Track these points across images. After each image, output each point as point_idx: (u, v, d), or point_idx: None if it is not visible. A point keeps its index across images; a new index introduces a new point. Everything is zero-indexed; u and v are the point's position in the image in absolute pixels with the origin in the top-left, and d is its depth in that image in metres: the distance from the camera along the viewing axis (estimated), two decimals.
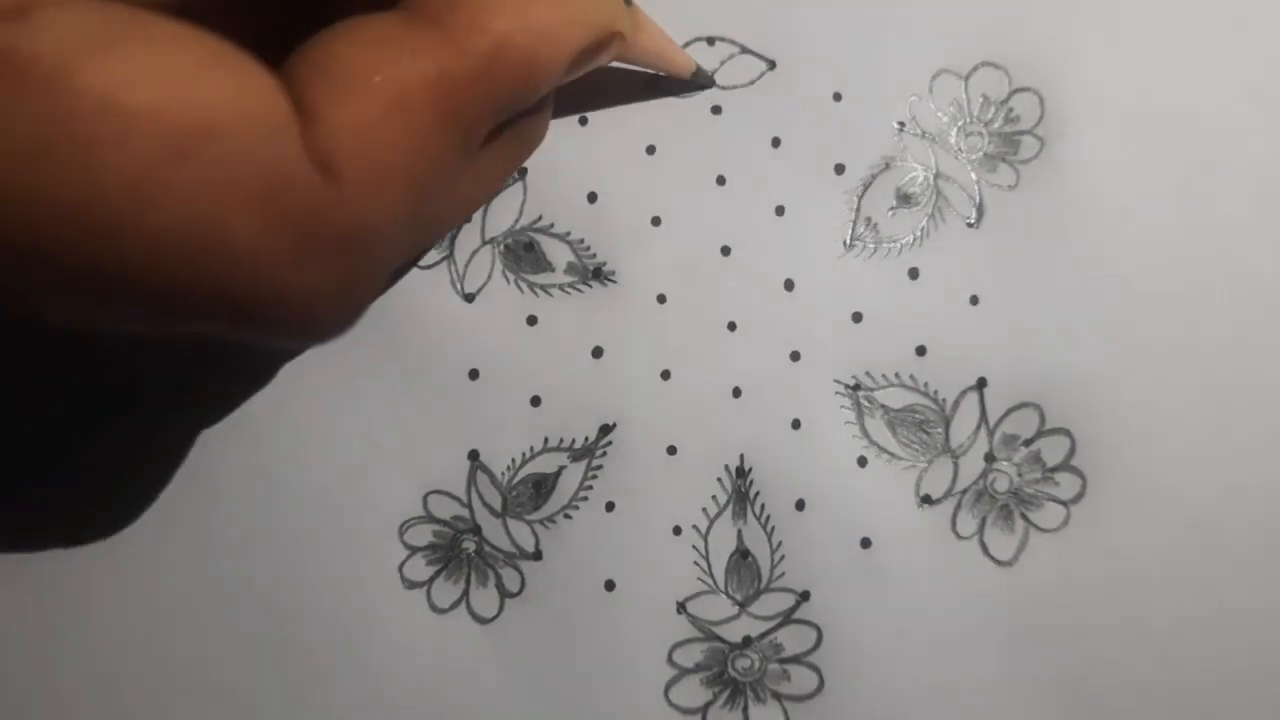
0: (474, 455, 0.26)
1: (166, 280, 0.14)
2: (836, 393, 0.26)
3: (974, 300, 0.26)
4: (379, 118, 0.15)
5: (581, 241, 0.26)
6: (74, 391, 0.25)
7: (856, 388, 0.26)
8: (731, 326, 0.26)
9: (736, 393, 0.26)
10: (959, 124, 0.26)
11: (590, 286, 0.26)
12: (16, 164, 0.12)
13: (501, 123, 0.18)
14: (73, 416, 0.25)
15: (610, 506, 0.26)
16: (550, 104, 0.22)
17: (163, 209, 0.13)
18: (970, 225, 0.26)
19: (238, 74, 0.14)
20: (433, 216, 0.18)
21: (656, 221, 0.26)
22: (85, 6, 0.13)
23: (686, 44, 0.26)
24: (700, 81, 0.25)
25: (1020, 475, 0.26)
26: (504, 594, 0.26)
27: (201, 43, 0.14)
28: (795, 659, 0.26)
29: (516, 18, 0.16)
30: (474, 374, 0.26)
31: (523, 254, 0.26)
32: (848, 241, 0.26)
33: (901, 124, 0.26)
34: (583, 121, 0.26)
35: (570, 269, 0.26)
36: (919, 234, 0.26)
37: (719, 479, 0.26)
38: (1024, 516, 0.26)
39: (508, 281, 0.26)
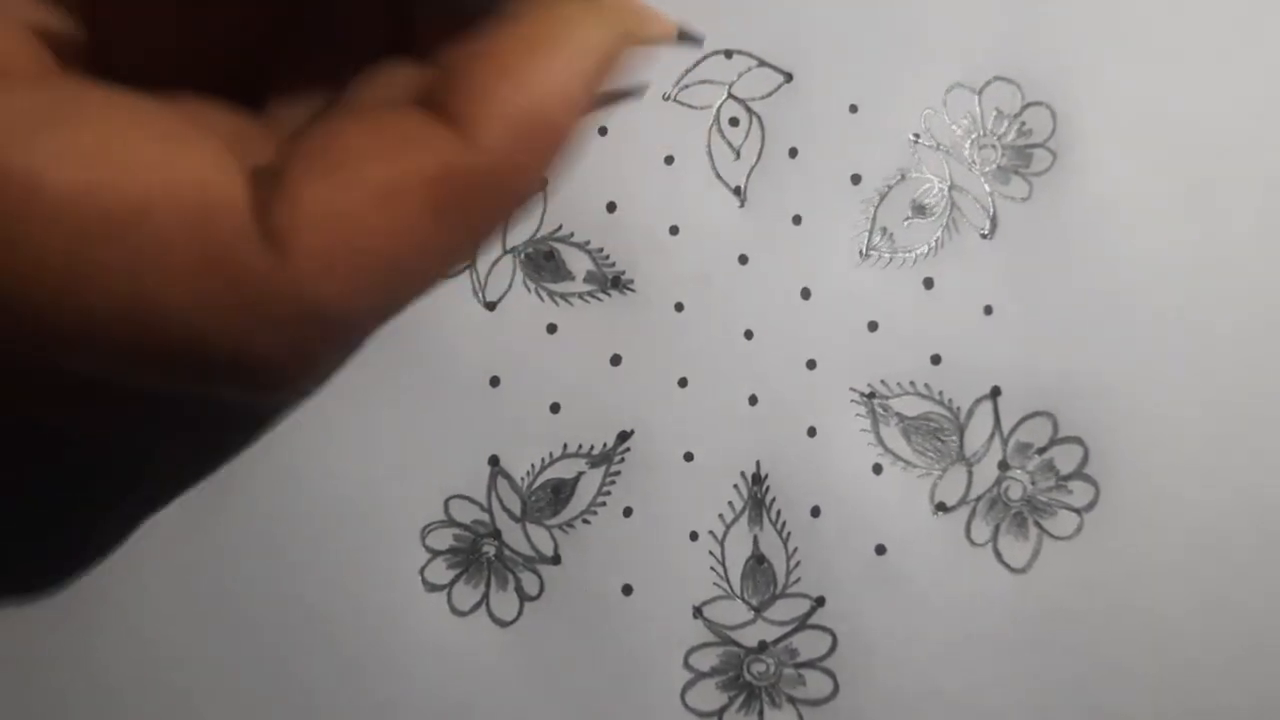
0: (494, 461, 0.26)
1: (104, 351, 0.14)
2: (852, 401, 0.26)
3: (988, 310, 0.26)
4: (363, 205, 0.14)
5: (601, 251, 0.26)
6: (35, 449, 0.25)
7: (872, 396, 0.26)
8: (748, 335, 0.26)
9: (753, 400, 0.26)
10: (973, 137, 0.26)
11: (609, 295, 0.26)
12: None
13: None
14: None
15: (628, 512, 0.26)
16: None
17: (91, 285, 0.13)
18: (984, 236, 0.26)
19: (175, 146, 0.14)
20: (404, 298, 0.17)
21: (675, 231, 0.26)
22: (27, 88, 0.13)
23: (705, 57, 0.26)
24: (689, 39, 0.25)
25: (1034, 483, 0.26)
26: (523, 597, 0.26)
27: (146, 119, 0.14)
28: (810, 664, 0.26)
29: (522, 95, 0.15)
30: (495, 381, 0.26)
31: (543, 263, 0.26)
32: (863, 251, 0.26)
33: (916, 136, 0.26)
34: (602, 132, 0.26)
35: (590, 278, 0.26)
36: (934, 244, 0.26)
37: (735, 485, 0.26)
38: (1037, 524, 0.26)
39: (528, 290, 0.26)
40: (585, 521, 0.26)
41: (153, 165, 0.14)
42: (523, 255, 0.26)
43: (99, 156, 0.13)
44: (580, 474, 0.26)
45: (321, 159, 0.15)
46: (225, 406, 0.24)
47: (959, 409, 0.26)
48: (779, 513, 0.26)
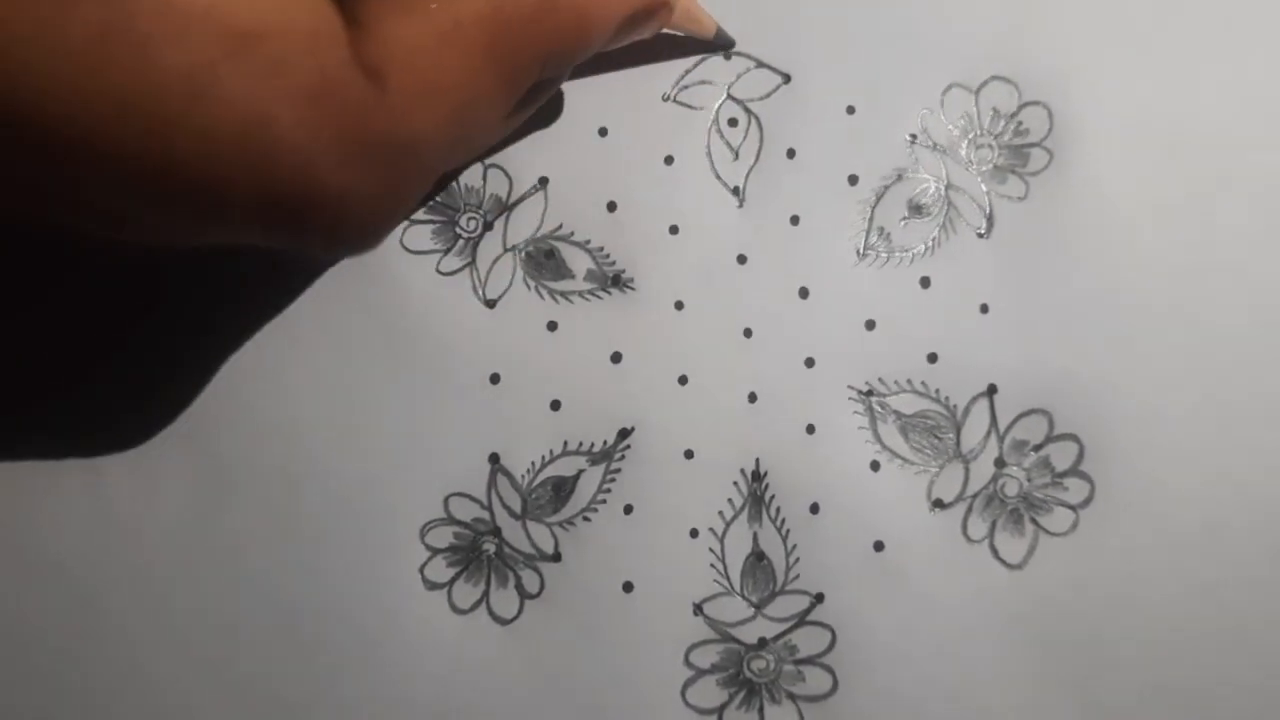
0: (494, 458, 0.26)
1: (213, 175, 0.14)
2: (850, 398, 0.27)
3: (984, 309, 0.26)
4: (432, 40, 0.16)
5: (601, 249, 0.26)
6: (100, 304, 0.26)
7: (869, 393, 0.27)
8: (747, 333, 0.27)
9: (752, 398, 0.26)
10: (969, 136, 0.27)
11: (609, 293, 0.26)
12: (77, 60, 0.13)
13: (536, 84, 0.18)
14: (98, 328, 0.26)
15: (628, 509, 0.26)
16: (562, 87, 0.22)
17: (213, 103, 0.14)
18: (980, 235, 0.27)
19: None
20: (467, 142, 0.18)
21: (674, 230, 0.26)
22: None
23: (704, 58, 0.26)
24: (721, 42, 0.26)
25: (1030, 480, 0.27)
26: (523, 595, 0.26)
27: None
28: (810, 660, 0.26)
29: None
30: (495, 378, 0.26)
31: (544, 261, 0.26)
32: (861, 251, 0.27)
33: (913, 136, 0.27)
34: (602, 133, 0.26)
35: (590, 276, 0.26)
36: (930, 244, 0.27)
37: (735, 483, 0.26)
38: (1033, 520, 0.27)
39: (529, 288, 0.26)
40: (585, 519, 0.26)
41: None
42: (523, 254, 0.26)
43: None
44: (580, 471, 0.26)
45: (391, 1, 0.15)
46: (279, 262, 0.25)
47: (956, 406, 0.27)
48: (778, 509, 0.26)
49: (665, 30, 0.24)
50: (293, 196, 0.15)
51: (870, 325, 0.27)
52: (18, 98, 0.13)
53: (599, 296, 0.26)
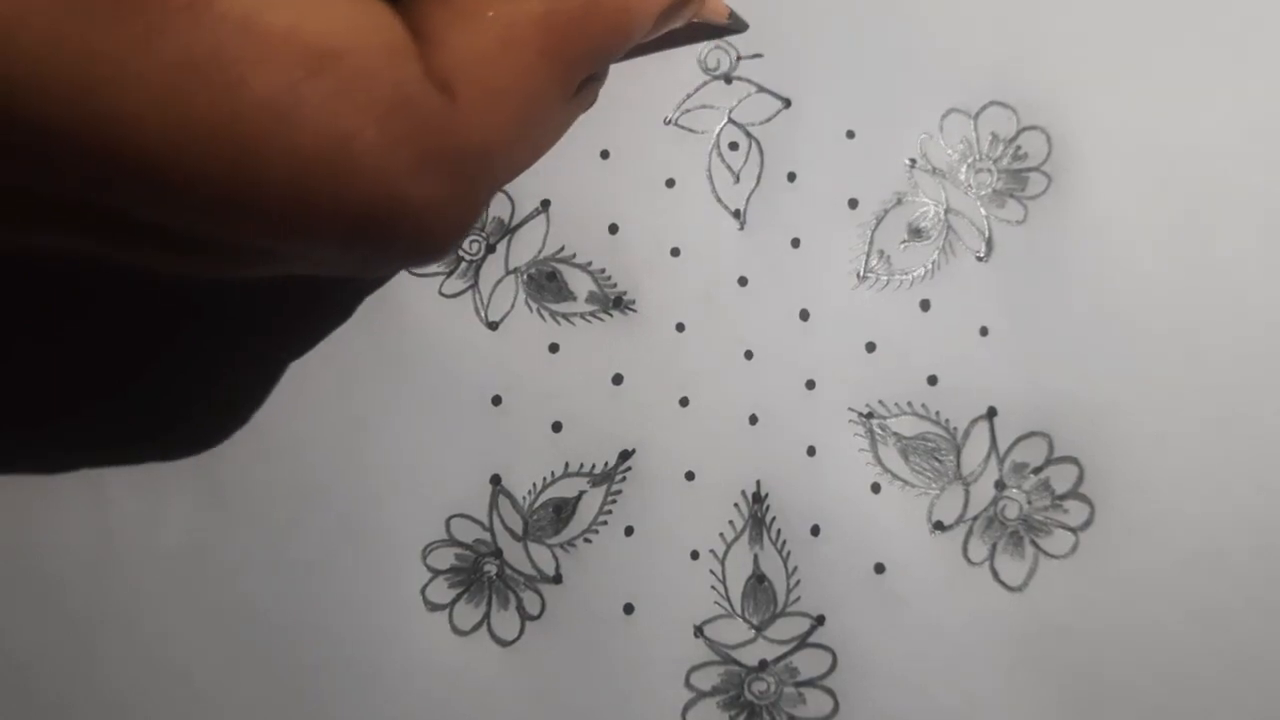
0: (496, 480, 0.26)
1: (298, 194, 0.14)
2: (850, 421, 0.27)
3: (984, 331, 0.27)
4: (493, 47, 0.16)
5: (603, 271, 0.27)
6: (153, 316, 0.26)
7: (870, 416, 0.27)
8: (748, 355, 0.27)
9: (753, 420, 0.27)
10: (968, 161, 0.27)
11: (611, 315, 0.27)
12: (165, 84, 0.13)
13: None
14: (151, 340, 0.26)
15: (629, 531, 0.26)
16: (606, 72, 0.22)
17: (297, 124, 0.14)
18: (980, 259, 0.27)
19: (362, 2, 0.15)
20: (529, 146, 0.19)
21: (676, 253, 0.27)
22: None
23: (705, 83, 0.27)
24: (734, 26, 0.26)
25: (1030, 502, 0.27)
26: (525, 617, 0.26)
27: None
28: (810, 682, 0.26)
29: None
30: (497, 400, 0.26)
31: (545, 283, 0.27)
32: (861, 273, 0.27)
33: (913, 160, 0.27)
34: (604, 156, 0.27)
35: (591, 298, 0.27)
36: (930, 267, 0.27)
37: (736, 504, 0.27)
38: (1034, 543, 0.27)
39: (530, 310, 0.27)
40: (587, 540, 0.26)
41: (347, 12, 0.15)
42: (525, 276, 0.27)
43: (298, 1, 0.14)
44: (582, 493, 0.26)
45: (446, 7, 0.16)
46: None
47: (956, 429, 0.27)
48: (779, 532, 0.26)
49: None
50: (377, 210, 0.15)
51: (870, 348, 0.27)
52: (105, 128, 0.13)
53: (600, 318, 0.27)
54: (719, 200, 0.27)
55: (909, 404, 0.27)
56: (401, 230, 0.16)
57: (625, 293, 0.27)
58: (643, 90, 0.26)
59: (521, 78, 0.16)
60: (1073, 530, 0.27)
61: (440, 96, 0.15)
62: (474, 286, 0.26)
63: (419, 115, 0.15)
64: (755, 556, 0.26)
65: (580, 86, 0.19)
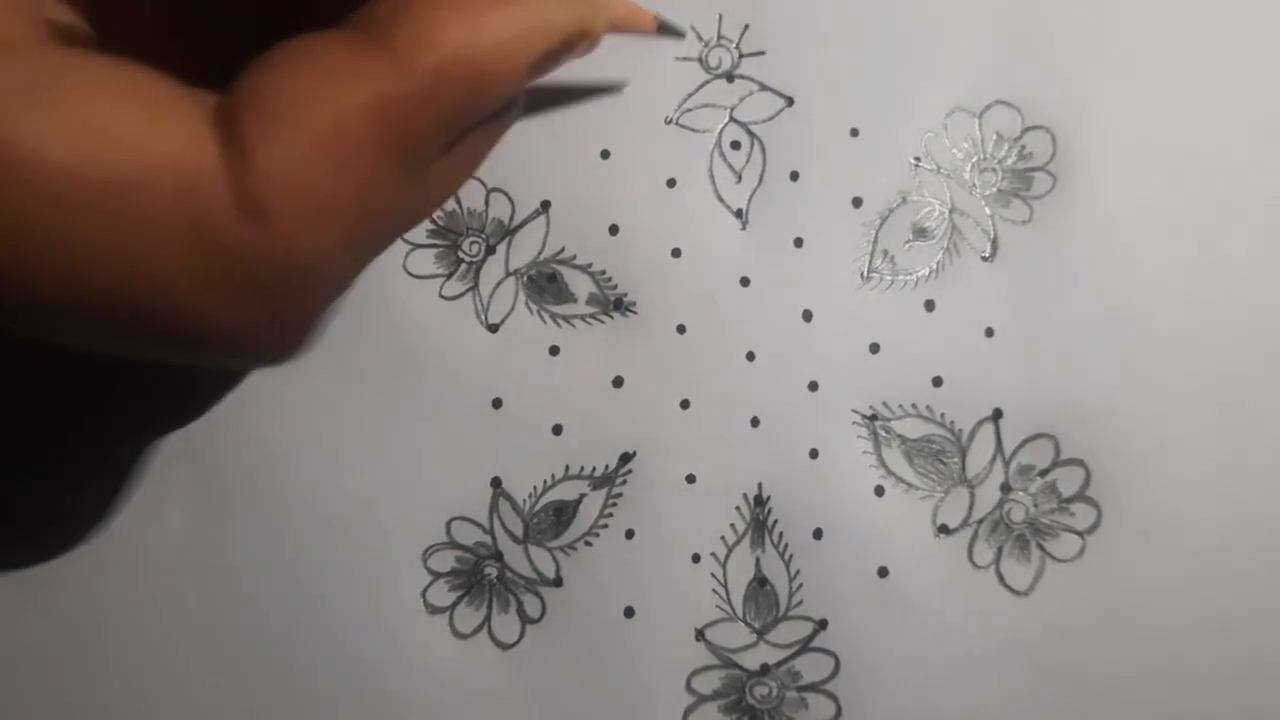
0: (496, 482, 0.26)
1: (96, 323, 0.14)
2: (854, 423, 0.26)
3: (989, 332, 0.26)
4: (312, 152, 0.14)
5: (603, 273, 0.26)
6: (42, 391, 0.25)
7: (874, 418, 0.26)
8: (750, 357, 0.26)
9: (755, 422, 0.26)
10: (973, 160, 0.26)
11: (611, 317, 0.26)
12: None
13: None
14: (40, 416, 0.25)
15: (630, 534, 0.26)
16: (520, 98, 0.21)
17: (84, 260, 0.13)
18: (985, 259, 0.26)
19: (162, 120, 0.14)
20: (376, 238, 0.17)
21: (677, 254, 0.26)
22: (19, 56, 0.13)
23: (707, 81, 0.26)
24: (668, 32, 0.25)
25: (1036, 505, 0.26)
26: (525, 620, 0.26)
27: (129, 89, 0.14)
28: (813, 687, 0.26)
29: (464, 34, 0.15)
30: (497, 403, 0.26)
31: (545, 285, 0.26)
32: (865, 274, 0.26)
33: (917, 160, 0.26)
34: (604, 156, 0.26)
35: (592, 300, 0.26)
36: (935, 267, 0.26)
37: (737, 507, 0.26)
38: (1040, 546, 0.26)
39: (531, 312, 0.26)
40: (587, 543, 0.26)
41: (137, 138, 0.13)
42: (525, 278, 0.26)
43: (87, 129, 0.13)
44: (582, 496, 0.26)
45: (263, 109, 0.14)
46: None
47: (961, 431, 0.26)
48: (781, 535, 0.26)
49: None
50: (187, 338, 0.15)
51: (874, 349, 0.26)
52: None
53: (601, 320, 0.26)
54: (721, 200, 0.26)
55: (913, 406, 0.26)
56: (221, 351, 0.15)
57: (626, 294, 0.26)
58: (643, 89, 0.26)
59: (350, 179, 0.15)
60: (1079, 534, 0.26)
61: (248, 223, 0.14)
62: (474, 288, 0.26)
63: (219, 245, 0.14)
64: (757, 560, 0.26)
65: (459, 140, 0.18)
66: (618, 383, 0.26)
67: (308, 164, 0.14)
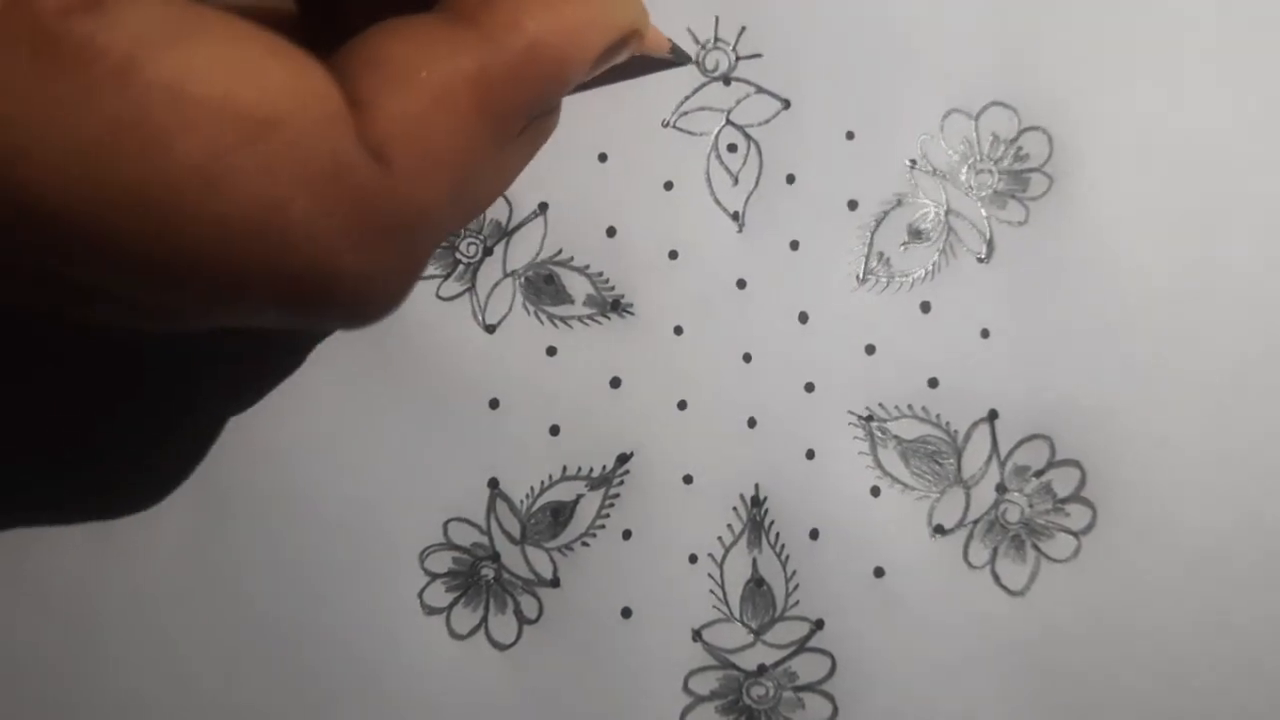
0: (494, 483, 0.26)
1: (229, 264, 0.14)
2: (850, 424, 0.26)
3: (985, 333, 0.26)
4: (426, 109, 0.16)
5: (600, 275, 0.26)
6: (98, 379, 0.26)
7: (870, 419, 0.26)
8: (747, 358, 0.27)
9: (751, 423, 0.26)
10: (969, 162, 0.27)
11: (609, 318, 0.26)
12: (90, 152, 0.13)
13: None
14: (95, 403, 0.26)
15: (627, 535, 0.26)
16: (560, 102, 0.22)
17: (227, 193, 0.14)
18: (981, 260, 0.26)
19: (296, 66, 0.15)
20: (471, 201, 0.19)
21: (674, 255, 0.27)
22: (154, 1, 0.14)
23: (704, 84, 0.27)
24: (677, 59, 0.26)
25: (1031, 506, 0.26)
26: (522, 620, 0.26)
27: (262, 37, 0.15)
28: (809, 687, 0.26)
29: (549, 19, 0.17)
30: (494, 403, 0.26)
31: (543, 286, 0.27)
32: (861, 275, 0.27)
33: (913, 161, 0.27)
34: (602, 159, 0.26)
35: (589, 301, 0.26)
36: (930, 269, 0.26)
37: (734, 508, 0.26)
38: (1035, 547, 0.26)
39: (528, 313, 0.26)
40: (584, 544, 0.26)
41: (281, 78, 0.14)
42: (523, 279, 0.27)
43: (233, 68, 0.14)
44: (579, 496, 0.26)
45: (380, 69, 0.16)
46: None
47: (956, 432, 0.26)
48: (778, 535, 0.26)
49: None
50: (311, 280, 0.15)
51: (870, 350, 0.26)
52: (32, 194, 0.13)
53: (598, 321, 0.26)
54: (717, 202, 0.27)
55: (909, 407, 0.26)
56: (337, 298, 0.16)
57: (623, 296, 0.26)
58: (640, 92, 0.26)
59: (457, 137, 0.16)
60: (1075, 534, 0.26)
61: (375, 164, 0.15)
62: (471, 289, 0.26)
63: (353, 184, 0.15)
64: (754, 560, 0.26)
65: (526, 127, 0.19)
66: (615, 384, 0.26)
67: (423, 120, 0.15)
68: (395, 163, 0.15)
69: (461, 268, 0.26)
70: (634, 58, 0.25)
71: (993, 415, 0.26)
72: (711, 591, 0.26)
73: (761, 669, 0.26)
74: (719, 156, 0.27)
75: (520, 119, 0.17)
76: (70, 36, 0.13)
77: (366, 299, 0.16)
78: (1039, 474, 0.26)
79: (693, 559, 0.26)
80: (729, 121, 0.27)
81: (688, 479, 0.26)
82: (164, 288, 0.15)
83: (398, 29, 0.16)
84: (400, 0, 0.18)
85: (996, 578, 0.26)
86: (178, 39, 0.13)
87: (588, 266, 0.26)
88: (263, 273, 0.15)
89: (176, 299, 0.15)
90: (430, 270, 0.26)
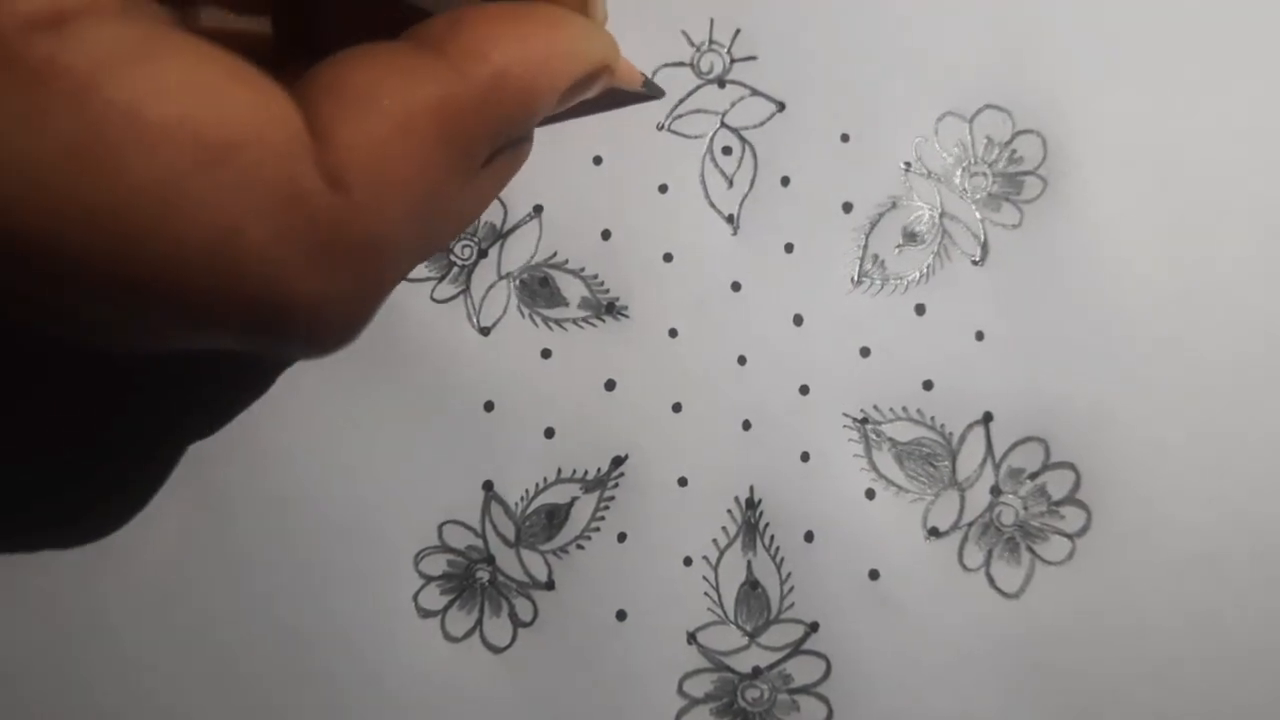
0: (488, 486, 0.26)
1: (185, 286, 0.14)
2: (845, 426, 0.26)
3: (979, 336, 0.26)
4: (387, 137, 0.15)
5: (595, 277, 0.26)
6: (69, 402, 0.26)
7: (864, 421, 0.26)
8: (741, 360, 0.27)
9: (746, 425, 0.26)
10: (964, 164, 0.27)
11: (603, 321, 0.26)
12: (48, 169, 0.13)
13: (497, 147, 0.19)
14: (68, 427, 0.26)
15: (622, 537, 0.26)
16: (533, 131, 0.22)
17: (184, 216, 0.14)
18: (975, 263, 0.26)
19: (258, 91, 0.15)
20: (434, 230, 0.18)
21: (668, 258, 0.27)
22: (118, 21, 0.14)
23: (698, 86, 0.27)
24: (651, 92, 0.26)
25: (1026, 508, 0.26)
26: (517, 623, 0.26)
27: (225, 60, 0.15)
28: (804, 689, 0.26)
29: (515, 50, 0.17)
30: (489, 406, 0.26)
31: (538, 289, 0.27)
32: (855, 278, 0.27)
33: (908, 164, 0.27)
34: (597, 161, 0.26)
35: (584, 304, 0.26)
36: (925, 271, 0.27)
37: (729, 510, 0.26)
38: (1030, 549, 0.26)
39: (523, 315, 0.26)
40: (579, 547, 0.26)
41: (242, 102, 0.14)
42: (518, 281, 0.27)
43: (194, 91, 0.14)
44: (574, 499, 0.26)
45: (341, 96, 0.15)
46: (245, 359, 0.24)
47: (951, 434, 0.26)
48: (772, 538, 0.26)
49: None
50: (266, 306, 0.15)
51: (865, 352, 0.26)
52: None
53: (593, 324, 0.26)
54: (712, 205, 0.27)
55: (904, 409, 0.26)
56: (293, 324, 0.15)
57: (618, 298, 0.26)
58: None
59: (419, 166, 0.16)
60: (1069, 536, 0.26)
61: (333, 191, 0.15)
62: (466, 292, 0.26)
63: (310, 211, 0.15)
64: (749, 563, 0.26)
65: (494, 157, 0.19)
66: (610, 386, 0.26)
67: (383, 147, 0.15)
68: (354, 190, 0.15)
69: (456, 270, 0.26)
70: (606, 90, 0.25)
71: (987, 418, 0.26)
72: (706, 594, 0.26)
73: (756, 671, 0.26)
74: (714, 159, 0.27)
75: (485, 149, 0.17)
76: (31, 54, 0.13)
77: (323, 325, 0.16)
78: (1034, 476, 0.26)
79: (687, 561, 0.26)
80: (724, 124, 0.27)
81: (682, 481, 0.26)
82: (120, 308, 0.14)
83: (362, 56, 0.16)
84: (373, 26, 0.17)
85: (991, 580, 0.26)
86: (139, 60, 0.13)
87: (582, 269, 0.26)
88: (218, 296, 0.14)
89: (135, 319, 0.15)
90: (425, 273, 0.26)
